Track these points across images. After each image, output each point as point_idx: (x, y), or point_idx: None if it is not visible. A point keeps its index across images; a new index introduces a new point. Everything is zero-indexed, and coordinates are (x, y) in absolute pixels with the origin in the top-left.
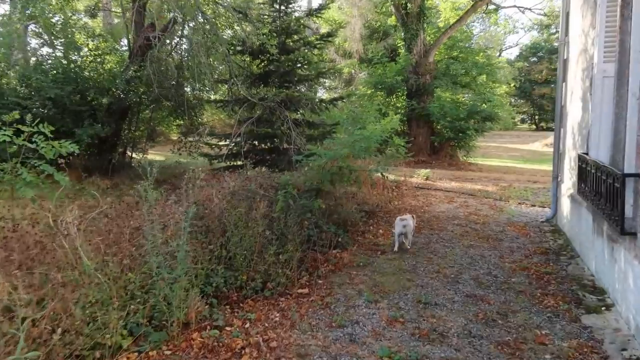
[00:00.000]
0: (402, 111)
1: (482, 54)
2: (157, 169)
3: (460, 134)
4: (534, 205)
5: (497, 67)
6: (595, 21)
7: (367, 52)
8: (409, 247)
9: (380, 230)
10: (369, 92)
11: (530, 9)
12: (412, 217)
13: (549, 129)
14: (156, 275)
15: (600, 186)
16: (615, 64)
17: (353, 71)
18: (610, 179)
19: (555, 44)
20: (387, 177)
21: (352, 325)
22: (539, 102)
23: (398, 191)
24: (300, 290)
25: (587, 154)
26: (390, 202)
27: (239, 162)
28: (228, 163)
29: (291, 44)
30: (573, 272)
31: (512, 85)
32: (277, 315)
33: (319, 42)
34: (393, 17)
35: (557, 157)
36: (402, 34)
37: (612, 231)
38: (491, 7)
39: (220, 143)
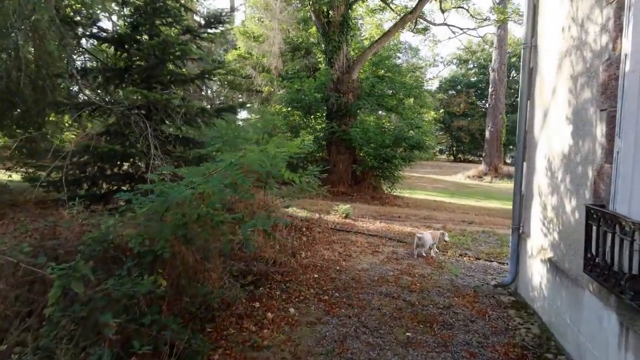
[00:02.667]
0: (322, 134)
1: (410, 74)
2: None
3: (385, 163)
4: (479, 259)
5: (426, 91)
6: None
7: (287, 70)
8: (433, 255)
9: (270, 314)
10: (284, 110)
11: (463, 30)
12: (443, 232)
13: (466, 160)
14: None
15: None
16: None
17: (272, 89)
18: None
19: (473, 78)
20: (273, 235)
21: None
22: (457, 134)
23: (309, 235)
24: None
25: (602, 206)
26: (294, 255)
27: (82, 192)
28: (61, 193)
29: (164, 29)
30: None
31: (440, 111)
32: None
33: (204, 30)
34: (314, 28)
35: (519, 201)
36: (323, 46)
37: None
38: (420, 25)
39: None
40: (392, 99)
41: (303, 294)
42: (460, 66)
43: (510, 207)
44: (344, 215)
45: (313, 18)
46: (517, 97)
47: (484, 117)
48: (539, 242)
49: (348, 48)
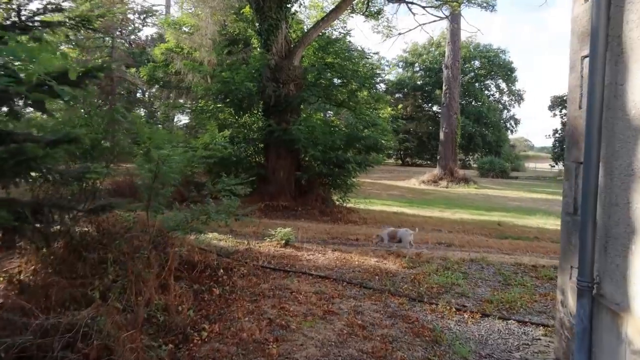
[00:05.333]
0: (258, 134)
1: (363, 62)
2: None
3: (335, 169)
4: (486, 315)
5: (380, 87)
6: None
7: (224, 64)
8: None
9: None
10: (211, 106)
11: (424, 7)
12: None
13: (414, 164)
14: None
15: None
16: None
17: (207, 85)
18: None
19: (419, 81)
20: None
21: None
22: (405, 137)
23: (227, 283)
24: None
25: None
26: (186, 339)
27: None
28: None
29: None
30: None
31: (399, 107)
32: None
33: None
34: (247, 7)
35: (591, 237)
36: (257, 25)
37: None
38: (373, 8)
39: None
40: (343, 91)
41: None
42: (406, 69)
43: (482, 218)
44: (284, 241)
45: None
46: (466, 99)
47: (430, 120)
48: None
49: (288, 29)
